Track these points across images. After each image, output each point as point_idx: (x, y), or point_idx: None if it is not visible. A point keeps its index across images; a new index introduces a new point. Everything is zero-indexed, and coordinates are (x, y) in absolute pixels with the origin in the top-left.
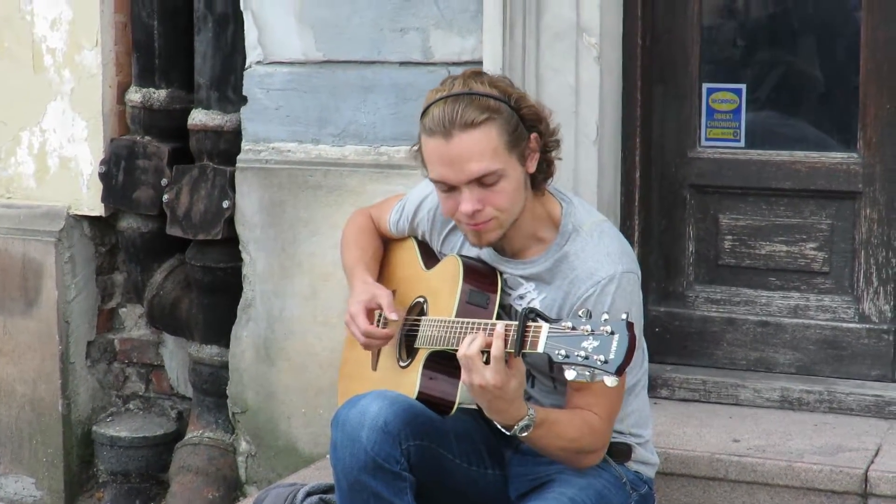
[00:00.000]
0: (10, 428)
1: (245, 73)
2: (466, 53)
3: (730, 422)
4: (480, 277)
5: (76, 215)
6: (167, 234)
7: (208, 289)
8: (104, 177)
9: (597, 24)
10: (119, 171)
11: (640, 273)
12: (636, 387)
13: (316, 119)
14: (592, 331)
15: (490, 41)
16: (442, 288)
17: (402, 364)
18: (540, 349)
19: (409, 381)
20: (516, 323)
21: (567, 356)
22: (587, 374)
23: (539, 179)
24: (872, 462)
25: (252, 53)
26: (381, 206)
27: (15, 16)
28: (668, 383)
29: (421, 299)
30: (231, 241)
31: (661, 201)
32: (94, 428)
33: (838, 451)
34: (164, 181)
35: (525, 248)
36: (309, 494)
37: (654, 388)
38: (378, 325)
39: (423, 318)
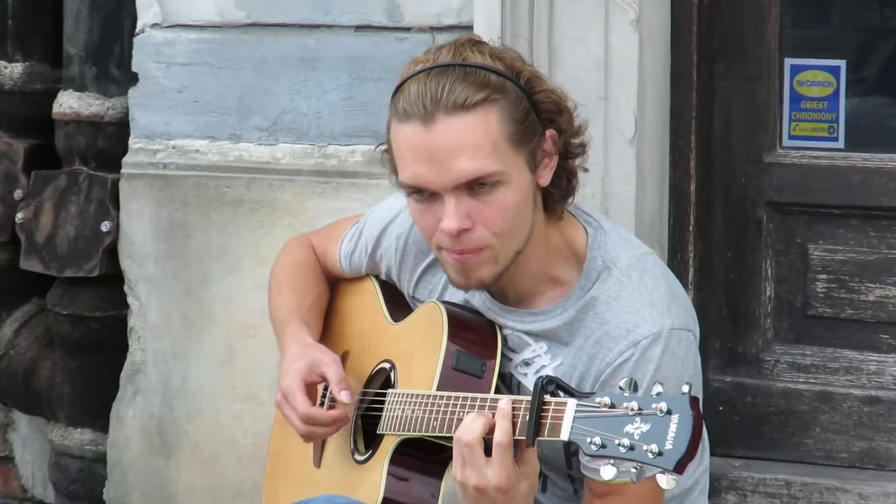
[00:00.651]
0: None
1: (135, 40)
2: (450, 15)
3: None
4: (472, 334)
5: None
6: (20, 269)
7: (79, 347)
8: None
9: None
10: None
11: (697, 330)
12: (692, 491)
13: (236, 106)
14: (640, 409)
15: None
16: (416, 349)
17: (359, 458)
18: (564, 436)
19: (370, 483)
20: (528, 398)
21: (604, 446)
22: (633, 470)
23: (555, 198)
24: None
25: (146, 13)
26: (327, 232)
27: None
28: (738, 485)
29: (386, 365)
30: (112, 280)
31: (726, 226)
32: None
33: None
34: (17, 193)
35: (534, 293)
36: None
37: (716, 491)
38: (323, 406)
39: (389, 391)
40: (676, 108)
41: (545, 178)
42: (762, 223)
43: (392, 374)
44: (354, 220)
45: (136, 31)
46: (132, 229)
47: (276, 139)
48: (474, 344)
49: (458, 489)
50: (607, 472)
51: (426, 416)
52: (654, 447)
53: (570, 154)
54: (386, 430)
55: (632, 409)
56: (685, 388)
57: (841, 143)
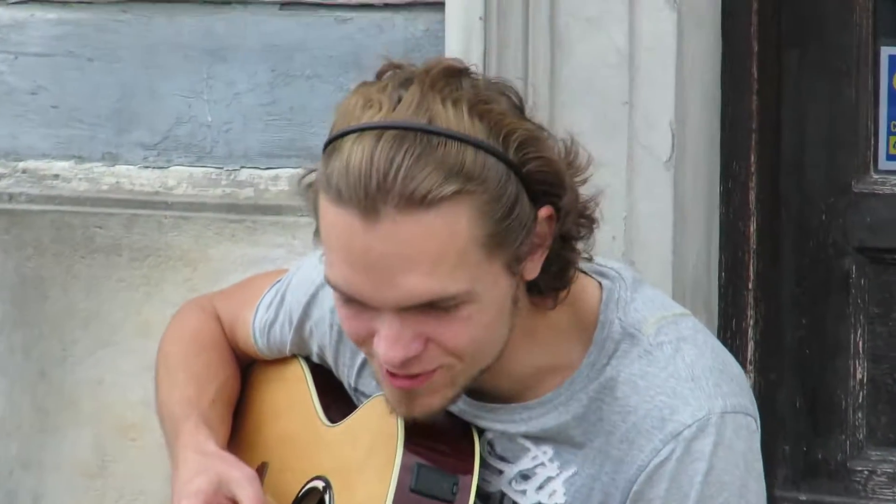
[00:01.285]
0: None
1: None
2: None
3: None
4: (439, 440)
5: None
6: None
7: None
8: None
9: None
10: None
11: (757, 416)
12: None
13: (112, 113)
14: None
15: None
16: (361, 462)
17: None
18: None
19: None
20: None
21: None
22: None
23: (545, 284)
24: None
25: None
26: (238, 293)
27: None
28: None
29: (319, 484)
30: None
31: (800, 281)
32: None
33: None
34: None
35: (527, 386)
36: None
37: None
38: None
39: None
40: (730, 119)
41: (532, 271)
42: (850, 278)
43: (327, 497)
44: (276, 278)
45: None
46: None
47: (168, 160)
48: (441, 454)
49: None
50: None
51: None
52: None
53: (568, 238)
54: None
55: None
56: None
57: None
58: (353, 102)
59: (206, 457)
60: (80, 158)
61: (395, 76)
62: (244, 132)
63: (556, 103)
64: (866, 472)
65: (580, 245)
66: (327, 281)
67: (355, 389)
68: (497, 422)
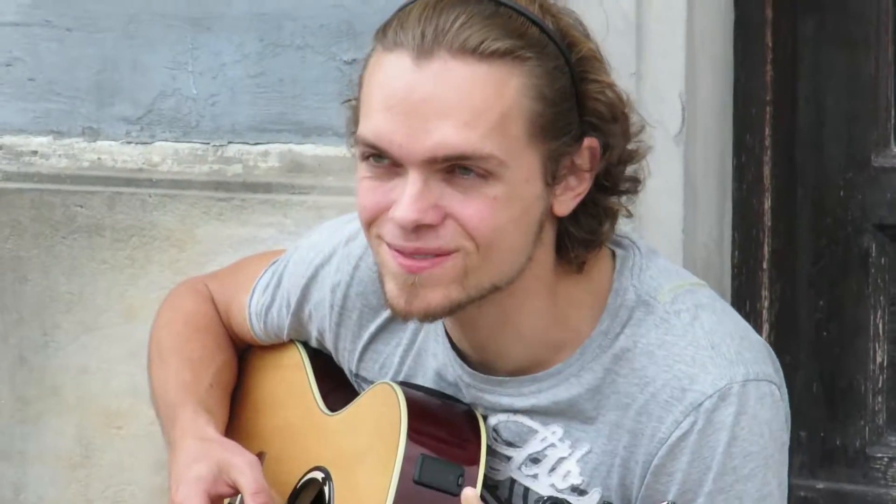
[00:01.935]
0: None
1: None
2: None
3: None
4: (444, 429)
5: None
6: None
7: None
8: None
9: None
10: None
11: (783, 385)
12: None
13: (92, 86)
14: None
15: None
16: (362, 452)
17: None
18: None
19: None
20: None
21: None
22: None
23: (573, 242)
24: None
25: None
26: (231, 276)
27: None
28: None
29: (318, 475)
30: None
31: (817, 260)
32: None
33: None
34: None
35: (537, 358)
36: None
37: None
38: None
39: None
40: (743, 90)
41: (564, 205)
42: (870, 257)
43: (327, 488)
44: (271, 260)
45: None
46: None
47: (152, 135)
48: (446, 443)
49: None
50: None
51: None
52: None
53: (611, 183)
54: None
55: None
56: None
57: None
58: None
59: (206, 443)
60: (60, 134)
61: None
62: (231, 105)
63: None
64: (886, 459)
65: (622, 202)
66: (357, 141)
67: (356, 375)
68: (505, 395)
